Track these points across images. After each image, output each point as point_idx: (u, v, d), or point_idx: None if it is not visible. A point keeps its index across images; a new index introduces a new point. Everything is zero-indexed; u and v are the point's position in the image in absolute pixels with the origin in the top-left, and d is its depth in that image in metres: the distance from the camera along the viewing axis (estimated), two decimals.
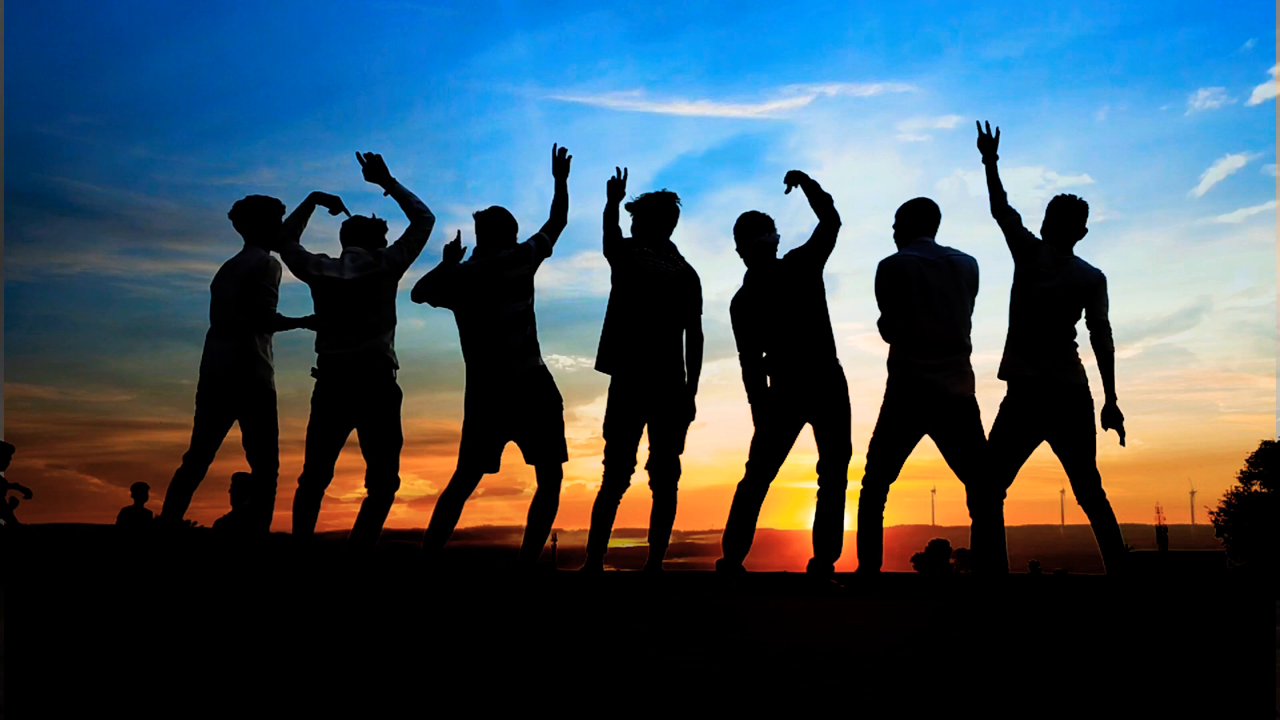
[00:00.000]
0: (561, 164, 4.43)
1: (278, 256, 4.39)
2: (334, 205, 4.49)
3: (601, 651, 2.12)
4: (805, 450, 4.28)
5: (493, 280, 4.16)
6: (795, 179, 4.26)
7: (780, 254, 4.33)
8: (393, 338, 4.31)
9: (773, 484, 4.31)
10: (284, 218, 4.41)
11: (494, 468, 4.20)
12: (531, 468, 4.23)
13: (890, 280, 4.19)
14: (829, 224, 4.20)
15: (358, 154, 4.35)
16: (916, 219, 4.32)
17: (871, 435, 4.22)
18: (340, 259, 4.28)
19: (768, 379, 4.27)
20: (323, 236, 4.62)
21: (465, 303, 4.18)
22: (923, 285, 4.12)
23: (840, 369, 4.22)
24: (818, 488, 4.20)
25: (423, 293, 4.25)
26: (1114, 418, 4.10)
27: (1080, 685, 1.69)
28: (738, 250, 4.37)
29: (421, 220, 4.31)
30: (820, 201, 4.20)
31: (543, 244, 4.30)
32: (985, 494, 4.07)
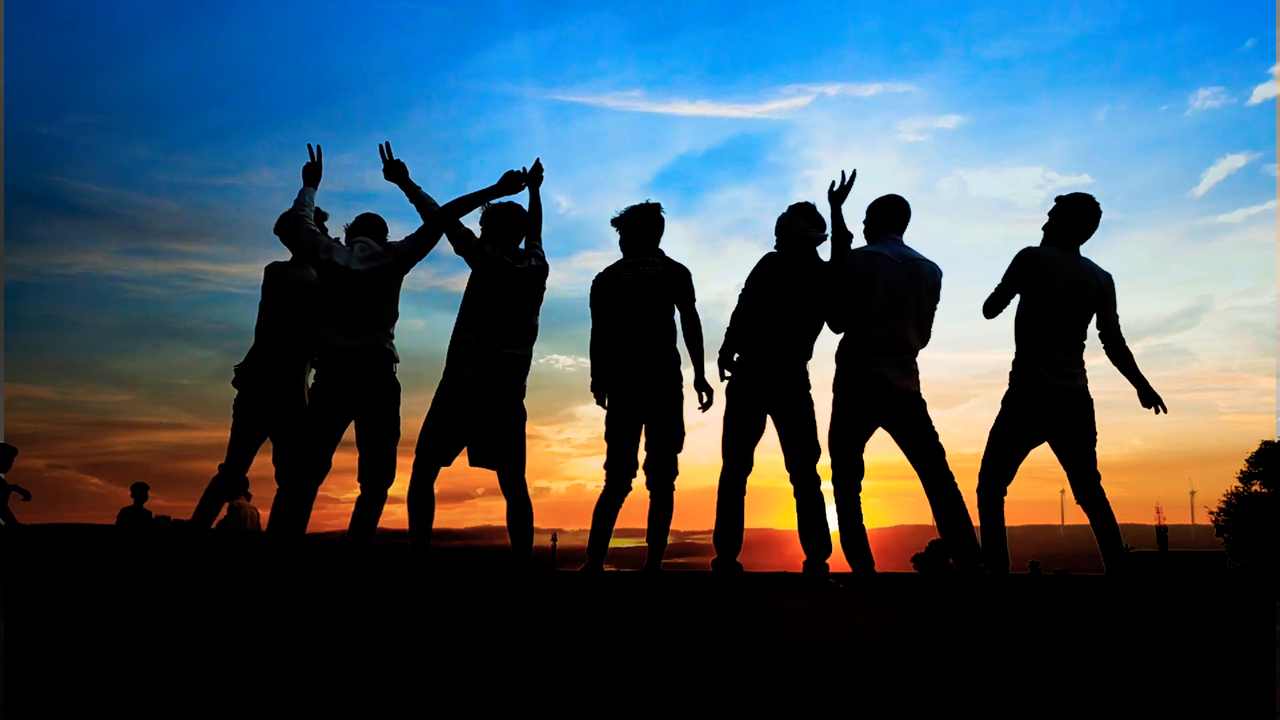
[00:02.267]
0: (539, 175, 4.46)
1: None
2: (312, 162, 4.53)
3: (601, 651, 2.12)
4: None
5: (534, 289, 4.23)
6: (838, 202, 4.33)
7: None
8: (393, 332, 4.34)
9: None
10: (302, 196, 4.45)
11: (448, 461, 4.20)
12: (536, 468, 4.25)
13: (852, 277, 4.22)
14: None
15: (381, 146, 4.36)
16: (887, 216, 4.36)
17: (829, 436, 4.25)
18: (350, 247, 4.31)
19: (734, 361, 4.34)
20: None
21: (496, 302, 4.17)
22: (883, 287, 4.14)
23: (806, 374, 4.28)
24: (792, 489, 4.23)
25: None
26: (1151, 398, 4.14)
27: (1080, 685, 1.69)
28: (779, 232, 4.33)
29: (435, 221, 4.32)
30: (840, 245, 4.31)
31: (543, 257, 4.40)
32: (942, 487, 4.10)
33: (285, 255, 4.59)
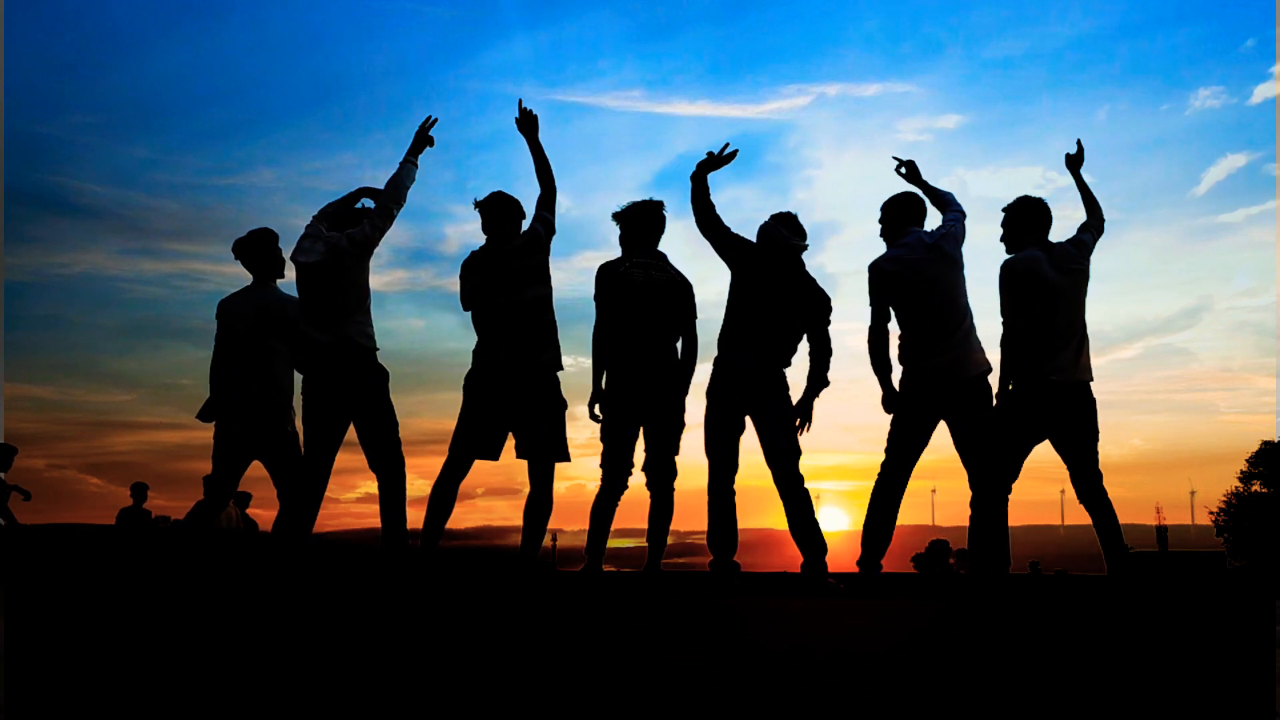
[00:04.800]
0: (529, 120, 4.31)
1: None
2: (422, 142, 4.41)
3: (601, 651, 2.12)
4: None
5: (507, 269, 4.16)
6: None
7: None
8: (368, 318, 4.23)
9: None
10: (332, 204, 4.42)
11: (493, 455, 4.17)
12: None
13: (880, 285, 4.22)
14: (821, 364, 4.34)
15: (431, 120, 4.38)
16: (903, 212, 4.34)
17: (888, 430, 4.23)
18: (315, 243, 4.26)
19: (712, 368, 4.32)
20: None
21: (482, 291, 4.16)
22: (913, 286, 4.13)
23: (784, 378, 4.26)
24: (776, 490, 4.23)
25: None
26: (1077, 160, 4.43)
27: (1080, 685, 1.69)
28: (762, 237, 4.32)
29: (398, 202, 4.28)
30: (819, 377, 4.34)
31: (547, 225, 4.26)
32: (986, 483, 4.08)
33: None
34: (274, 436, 4.36)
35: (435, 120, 4.40)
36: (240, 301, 4.44)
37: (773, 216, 4.36)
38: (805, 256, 4.36)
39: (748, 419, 4.25)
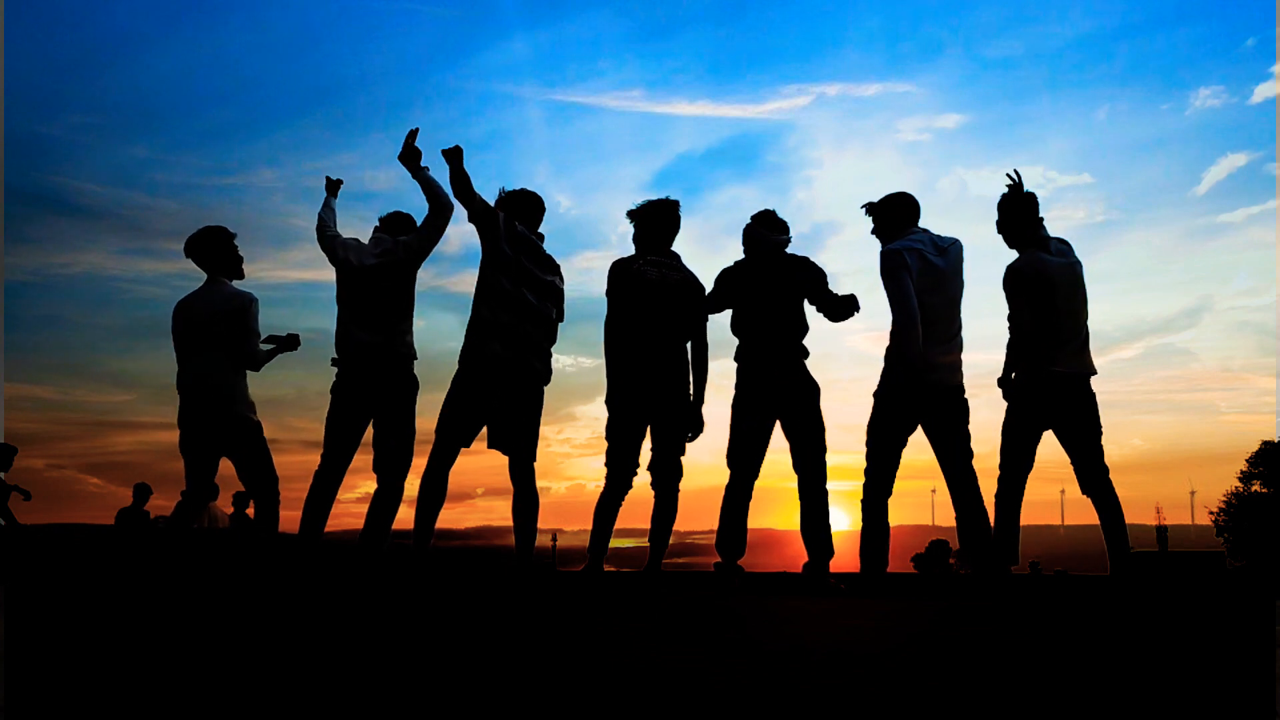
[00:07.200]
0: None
1: (250, 292, 4.43)
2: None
3: (601, 651, 2.12)
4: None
5: (550, 267, 4.30)
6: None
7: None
8: (410, 327, 4.34)
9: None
10: (322, 210, 4.48)
11: (468, 443, 4.20)
12: (537, 468, 4.24)
13: (897, 267, 4.14)
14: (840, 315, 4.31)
15: (411, 131, 4.24)
16: (902, 211, 4.32)
17: (867, 431, 4.23)
18: (363, 245, 4.33)
19: (736, 373, 4.32)
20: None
21: (537, 282, 4.21)
22: (928, 278, 4.12)
23: (807, 370, 4.27)
24: (797, 488, 4.23)
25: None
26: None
27: (1080, 685, 1.69)
28: (745, 240, 4.36)
29: (441, 208, 4.30)
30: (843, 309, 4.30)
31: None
32: (967, 486, 4.09)
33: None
34: (236, 428, 4.33)
35: (417, 130, 4.27)
36: (195, 300, 4.41)
37: (753, 217, 4.39)
38: (809, 257, 4.37)
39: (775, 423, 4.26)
